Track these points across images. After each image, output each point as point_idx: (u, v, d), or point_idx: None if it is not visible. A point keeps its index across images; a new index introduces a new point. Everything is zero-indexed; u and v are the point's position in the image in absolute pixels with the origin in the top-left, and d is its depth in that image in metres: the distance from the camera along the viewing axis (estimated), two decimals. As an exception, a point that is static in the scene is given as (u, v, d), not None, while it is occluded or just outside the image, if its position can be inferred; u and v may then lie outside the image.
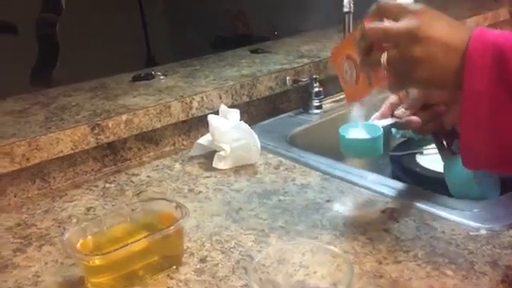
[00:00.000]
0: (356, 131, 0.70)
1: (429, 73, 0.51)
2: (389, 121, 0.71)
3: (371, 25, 0.54)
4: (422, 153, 1.01)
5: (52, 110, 0.91)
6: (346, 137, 0.69)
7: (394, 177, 1.00)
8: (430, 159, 0.96)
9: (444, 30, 0.51)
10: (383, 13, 0.54)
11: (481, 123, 0.49)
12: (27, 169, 0.78)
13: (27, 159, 0.76)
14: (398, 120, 0.70)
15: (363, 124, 0.71)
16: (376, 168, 1.05)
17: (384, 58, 0.53)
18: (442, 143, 0.74)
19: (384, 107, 0.72)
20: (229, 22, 3.74)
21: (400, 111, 0.70)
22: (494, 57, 0.48)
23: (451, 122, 0.70)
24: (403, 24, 0.51)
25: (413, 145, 1.01)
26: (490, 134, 0.49)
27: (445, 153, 0.73)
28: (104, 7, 3.83)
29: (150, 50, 4.22)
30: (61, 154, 0.79)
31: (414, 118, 0.68)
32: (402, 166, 0.99)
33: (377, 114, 0.72)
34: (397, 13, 0.53)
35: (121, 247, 0.56)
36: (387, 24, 0.53)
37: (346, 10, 0.93)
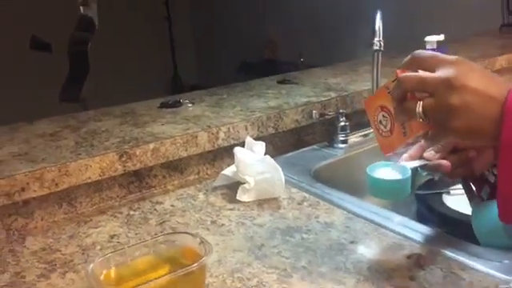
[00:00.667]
0: (384, 171, 0.70)
1: (465, 122, 0.50)
2: (418, 162, 0.70)
3: (407, 73, 0.54)
4: (448, 192, 0.99)
5: (82, 134, 0.94)
6: (374, 176, 0.68)
7: (419, 216, 0.99)
8: (457, 200, 0.94)
9: (481, 80, 0.51)
10: (418, 63, 0.54)
11: None
12: (55, 193, 0.80)
13: (56, 184, 0.78)
14: (427, 162, 0.69)
15: (391, 164, 0.70)
16: (401, 206, 1.03)
17: (419, 106, 0.53)
18: (471, 189, 0.73)
19: (413, 148, 0.72)
20: (255, 47, 3.79)
21: (429, 153, 0.69)
22: None
23: (481, 168, 0.69)
24: (440, 73, 0.51)
25: (439, 184, 0.99)
26: None
27: (474, 199, 0.72)
28: (134, 30, 3.94)
29: (177, 72, 4.30)
30: (89, 180, 0.81)
31: (444, 161, 0.67)
32: (427, 206, 0.97)
33: (406, 155, 0.72)
34: (432, 63, 0.53)
35: (144, 283, 0.56)
36: (424, 73, 0.53)
37: (375, 48, 0.93)
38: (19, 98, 3.17)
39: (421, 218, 0.96)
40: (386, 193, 0.69)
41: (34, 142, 0.90)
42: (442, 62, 0.52)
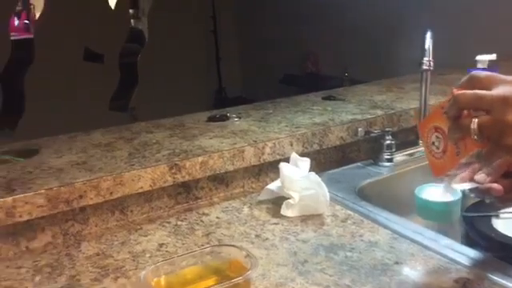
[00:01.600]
0: (433, 193, 0.69)
1: None
2: (468, 185, 0.69)
3: (463, 91, 0.54)
4: (497, 216, 0.96)
5: (135, 145, 0.98)
6: (423, 198, 0.68)
7: (466, 238, 0.96)
8: (507, 223, 0.91)
9: None
10: (474, 83, 0.54)
11: None
12: (109, 201, 0.84)
13: (111, 193, 0.82)
14: (478, 185, 0.68)
15: (441, 186, 0.70)
16: (448, 228, 1.01)
17: (475, 123, 0.52)
18: None
19: (464, 171, 0.71)
20: (298, 60, 3.82)
21: (481, 176, 0.68)
22: None
23: None
24: (496, 91, 0.51)
25: (488, 206, 0.96)
26: None
27: None
28: (181, 44, 4.05)
29: (221, 85, 4.38)
30: (140, 190, 0.85)
31: (495, 185, 0.66)
32: (475, 229, 0.94)
33: (456, 178, 0.71)
34: (488, 82, 0.53)
35: (191, 291, 0.58)
36: (480, 91, 0.53)
37: (425, 67, 0.93)
38: (72, 108, 3.33)
39: (468, 241, 0.93)
40: (435, 215, 0.69)
41: (90, 151, 0.96)
42: (498, 81, 0.52)
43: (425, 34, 0.93)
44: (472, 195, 0.77)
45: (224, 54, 4.37)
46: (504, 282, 0.64)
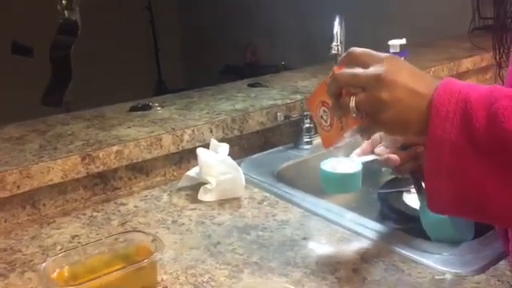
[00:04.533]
0: (336, 166, 0.72)
1: (394, 115, 0.53)
2: (369, 157, 0.73)
3: (341, 70, 0.57)
4: (409, 191, 1.02)
5: (48, 138, 0.95)
6: (326, 170, 0.71)
7: (382, 215, 1.02)
8: (416, 198, 0.97)
9: (410, 76, 0.53)
10: (352, 60, 0.57)
11: (442, 169, 0.50)
12: (18, 195, 0.82)
13: (18, 187, 0.80)
14: (377, 157, 0.72)
15: (344, 159, 0.73)
16: (366, 205, 1.06)
17: (352, 101, 0.55)
18: (420, 183, 0.76)
19: (365, 144, 0.74)
20: (238, 51, 3.82)
21: (380, 149, 0.72)
22: (458, 106, 0.50)
23: None
24: (371, 69, 0.54)
25: (401, 183, 1.02)
26: (450, 180, 0.50)
27: (421, 193, 0.75)
28: (118, 33, 3.94)
29: (161, 75, 4.31)
30: (51, 183, 0.83)
31: (393, 155, 0.70)
32: (388, 204, 1.00)
33: (358, 151, 0.74)
34: (365, 60, 0.55)
35: (95, 278, 0.58)
36: (356, 69, 0.55)
37: (334, 52, 0.96)
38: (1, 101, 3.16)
39: (382, 217, 0.99)
40: (337, 186, 0.72)
41: (-1, 145, 0.92)
42: (374, 58, 0.54)
43: (334, 20, 0.97)
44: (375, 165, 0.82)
45: (163, 46, 4.30)
46: (399, 249, 0.68)
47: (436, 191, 0.52)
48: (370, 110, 0.54)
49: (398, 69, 0.54)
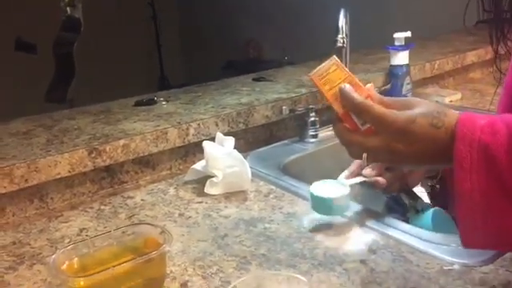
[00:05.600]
0: (326, 189, 0.73)
1: (414, 163, 0.55)
2: (358, 179, 0.74)
3: (364, 100, 0.56)
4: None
5: (54, 132, 0.96)
6: (314, 194, 0.72)
7: (387, 207, 1.02)
8: (423, 190, 0.97)
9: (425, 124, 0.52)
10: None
11: (477, 219, 0.49)
12: (26, 189, 0.82)
13: (26, 180, 0.80)
14: (365, 179, 0.73)
15: (333, 182, 0.74)
16: (370, 198, 1.06)
17: (365, 159, 0.57)
18: (408, 201, 0.79)
19: (353, 165, 0.75)
20: (240, 46, 3.82)
21: (368, 171, 0.73)
22: (480, 157, 0.48)
23: (415, 183, 0.76)
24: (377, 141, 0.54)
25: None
26: (487, 227, 0.49)
27: (410, 210, 0.78)
28: (120, 31, 3.94)
29: (163, 72, 4.31)
30: (58, 176, 0.83)
31: (380, 179, 0.72)
32: (394, 197, 1.00)
33: (346, 173, 0.75)
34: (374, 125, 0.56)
35: (104, 269, 0.58)
36: (365, 139, 0.56)
37: (339, 44, 0.96)
38: (4, 99, 3.17)
39: (388, 209, 0.99)
40: (325, 209, 0.73)
41: (6, 140, 0.92)
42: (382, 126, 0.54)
43: (339, 13, 0.96)
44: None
45: (165, 42, 4.29)
46: (407, 240, 0.68)
47: (472, 240, 0.51)
48: (384, 158, 0.56)
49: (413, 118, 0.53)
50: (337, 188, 0.72)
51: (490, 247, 0.54)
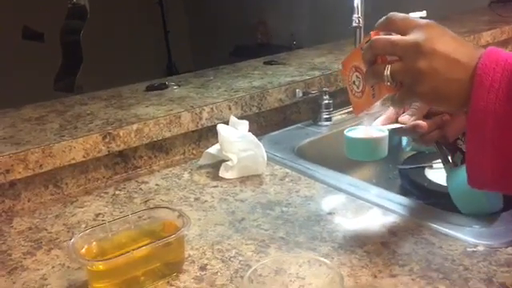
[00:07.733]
0: (361, 133, 0.71)
1: (432, 87, 0.50)
2: (394, 125, 0.70)
3: (378, 36, 0.54)
4: (431, 167, 1.00)
5: (67, 118, 0.95)
6: (350, 136, 0.70)
7: (403, 190, 1.00)
8: (439, 173, 0.96)
9: (450, 44, 0.51)
10: (390, 25, 0.54)
11: (486, 143, 0.48)
12: (41, 175, 0.82)
13: (40, 166, 0.80)
14: (402, 125, 0.69)
15: (368, 128, 0.71)
16: (386, 181, 1.05)
17: (388, 70, 0.53)
18: (445, 153, 0.74)
19: (389, 111, 0.72)
20: (248, 31, 3.78)
21: (405, 117, 0.69)
22: (504, 76, 0.47)
23: (454, 134, 0.70)
24: (410, 37, 0.51)
25: (422, 158, 1.01)
26: (494, 153, 0.48)
27: (448, 163, 0.73)
28: (127, 17, 3.92)
29: (170, 58, 4.29)
30: (73, 162, 0.82)
31: (421, 122, 0.67)
32: (410, 180, 0.99)
33: (382, 118, 0.72)
34: (404, 26, 0.53)
35: (123, 253, 0.58)
36: (394, 36, 0.53)
37: (354, 24, 0.94)
38: (11, 86, 3.17)
39: (404, 192, 0.98)
40: (363, 152, 0.70)
41: (19, 126, 0.92)
42: (413, 25, 0.52)
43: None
44: (406, 148, 0.79)
45: (172, 28, 4.26)
46: (428, 222, 0.67)
47: (478, 166, 0.50)
48: (405, 81, 0.52)
49: (438, 36, 0.51)
50: (373, 132, 0.69)
51: (496, 182, 0.50)
